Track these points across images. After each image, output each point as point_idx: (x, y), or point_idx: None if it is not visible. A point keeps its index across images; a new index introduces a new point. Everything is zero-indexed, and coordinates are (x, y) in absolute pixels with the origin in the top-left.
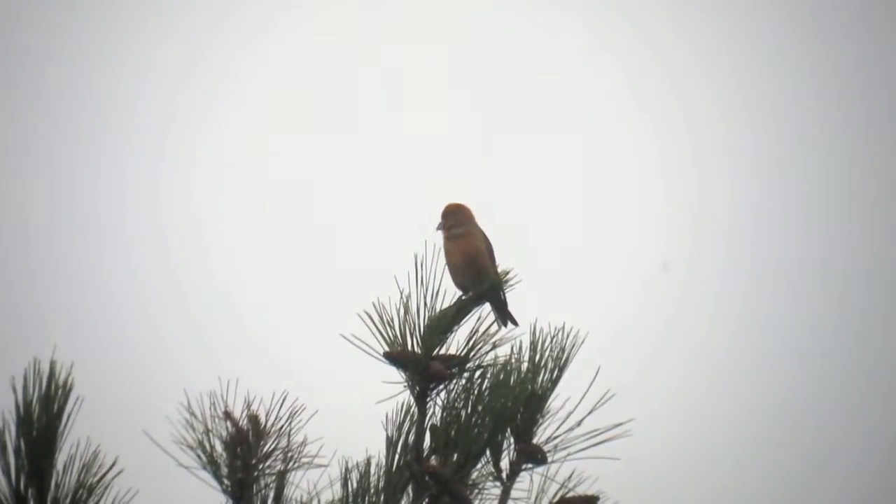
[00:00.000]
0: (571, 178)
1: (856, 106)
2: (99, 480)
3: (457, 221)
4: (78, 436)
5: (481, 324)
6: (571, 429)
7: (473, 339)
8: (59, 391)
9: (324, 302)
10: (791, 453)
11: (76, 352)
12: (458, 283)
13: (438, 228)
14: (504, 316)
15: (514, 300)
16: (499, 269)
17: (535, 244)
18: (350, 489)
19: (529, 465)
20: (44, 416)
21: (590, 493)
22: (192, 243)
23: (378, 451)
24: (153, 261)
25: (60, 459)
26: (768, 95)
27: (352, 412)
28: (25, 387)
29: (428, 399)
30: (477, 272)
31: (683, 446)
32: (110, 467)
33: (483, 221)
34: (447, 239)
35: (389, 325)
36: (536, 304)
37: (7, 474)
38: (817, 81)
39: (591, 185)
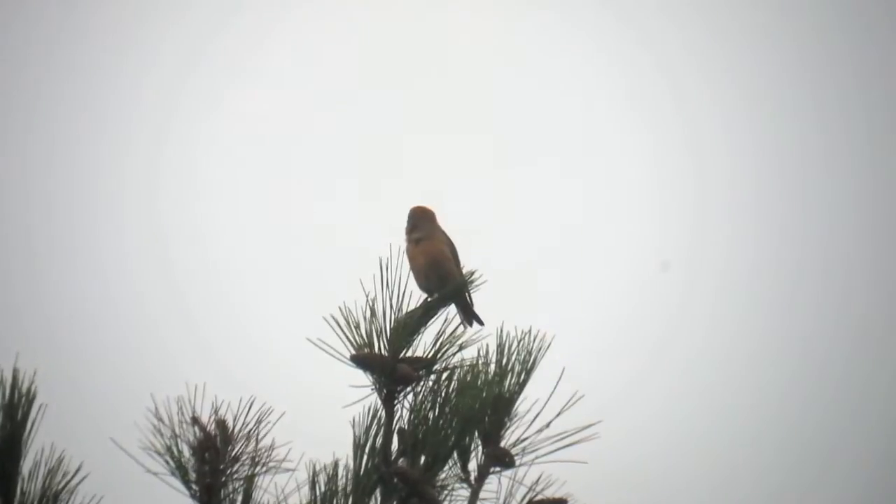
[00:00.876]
0: (571, 178)
1: (854, 105)
2: (64, 486)
3: (417, 225)
4: (43, 442)
5: (448, 325)
6: (540, 430)
7: (440, 340)
8: (23, 399)
9: (291, 306)
10: (791, 453)
11: (43, 357)
12: (423, 287)
13: (406, 231)
14: (469, 316)
15: (501, 301)
16: (464, 271)
17: (535, 244)
18: (318, 492)
19: (497, 469)
20: (7, 423)
21: (558, 496)
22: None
23: (346, 454)
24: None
25: (26, 466)
26: (767, 95)
27: (319, 416)
28: None
29: (395, 402)
30: (441, 275)
31: (683, 446)
32: (75, 473)
33: (445, 224)
34: (410, 243)
35: (356, 328)
36: (534, 304)
37: None
38: (816, 80)
39: (591, 185)
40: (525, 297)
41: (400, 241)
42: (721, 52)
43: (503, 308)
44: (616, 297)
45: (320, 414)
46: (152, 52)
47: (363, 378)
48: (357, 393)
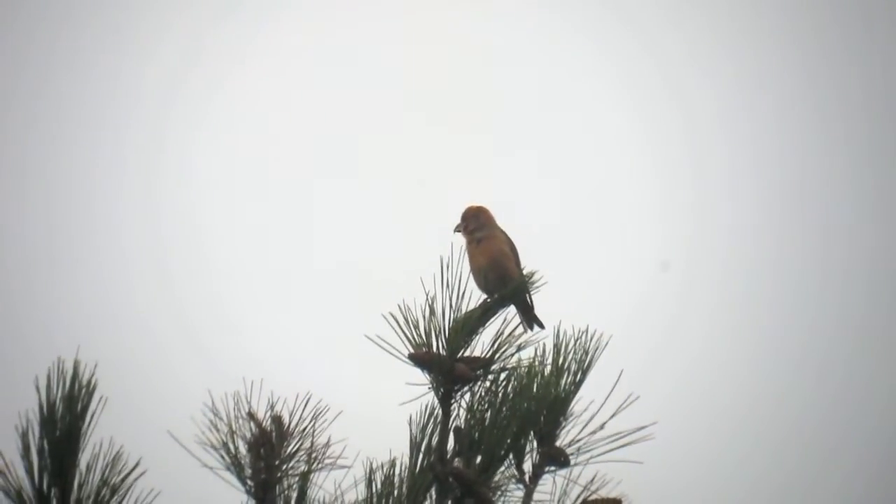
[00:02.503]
0: (571, 178)
1: (855, 104)
2: (122, 480)
3: (479, 224)
4: (101, 436)
5: (506, 326)
6: (594, 432)
7: (498, 341)
8: (83, 391)
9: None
10: (791, 453)
11: (102, 352)
12: (483, 287)
13: (457, 230)
14: (530, 319)
15: (541, 304)
16: (524, 272)
17: (535, 244)
18: (374, 490)
19: (552, 468)
20: (67, 415)
21: (612, 495)
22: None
23: (402, 452)
24: (181, 263)
25: (84, 459)
26: (767, 94)
27: (376, 414)
28: (49, 387)
29: (452, 401)
30: (501, 275)
31: (682, 446)
32: (133, 467)
33: (505, 223)
34: (470, 242)
35: (415, 326)
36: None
37: (31, 474)
38: (816, 80)
39: (591, 185)
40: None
41: (457, 239)
42: (722, 52)
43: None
44: (616, 298)
45: (376, 412)
46: (152, 50)
47: (420, 376)
48: (414, 391)
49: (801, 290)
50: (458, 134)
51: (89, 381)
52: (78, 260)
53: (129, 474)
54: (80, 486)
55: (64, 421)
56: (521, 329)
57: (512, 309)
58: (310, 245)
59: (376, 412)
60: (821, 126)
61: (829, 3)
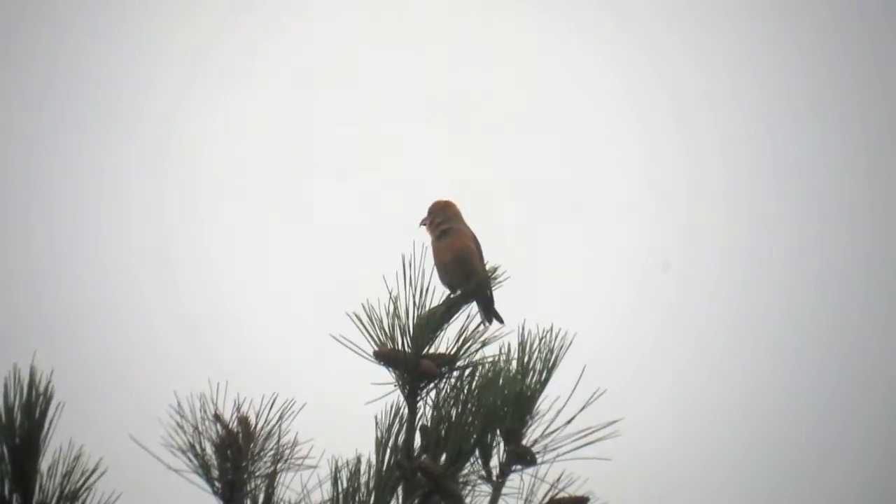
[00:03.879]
0: (571, 178)
1: (852, 103)
2: (83, 484)
3: (445, 219)
4: (61, 440)
5: (470, 322)
6: (560, 428)
7: (463, 337)
8: (41, 397)
9: (314, 303)
10: (790, 453)
11: (67, 355)
12: (447, 282)
13: (422, 224)
14: (490, 314)
15: (513, 300)
16: (486, 267)
17: (534, 244)
18: (340, 489)
19: (519, 467)
20: (25, 422)
21: (579, 493)
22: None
23: (368, 450)
24: (149, 262)
25: (44, 464)
26: (764, 94)
27: (342, 413)
28: (6, 394)
29: (418, 398)
30: (466, 270)
31: (682, 445)
32: (93, 470)
33: (471, 219)
34: (436, 238)
35: (379, 324)
36: (535, 304)
37: None
38: (813, 79)
39: (591, 184)
40: (525, 297)
41: (421, 235)
42: (720, 53)
43: (510, 306)
44: (616, 298)
45: (342, 411)
46: (157, 52)
47: (386, 375)
48: (380, 390)
49: (801, 290)
50: (456, 134)
51: (46, 388)
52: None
53: (89, 476)
54: (42, 489)
55: (22, 427)
56: (484, 325)
57: (475, 305)
58: (279, 244)
59: (342, 411)
60: (820, 127)
61: (830, 3)
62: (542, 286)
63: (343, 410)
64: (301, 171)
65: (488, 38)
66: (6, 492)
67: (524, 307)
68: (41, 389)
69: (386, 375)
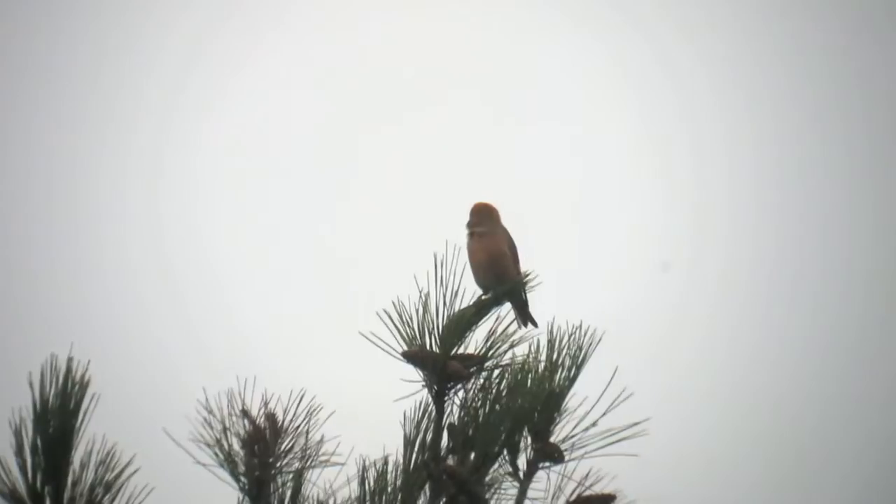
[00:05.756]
0: (571, 178)
1: (856, 103)
2: (116, 477)
3: (480, 221)
4: (94, 433)
5: (500, 323)
6: (588, 428)
7: (492, 338)
8: (76, 388)
9: (344, 301)
10: (790, 453)
11: (95, 350)
12: (480, 283)
13: (467, 226)
14: (525, 317)
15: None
16: (521, 270)
17: (535, 243)
18: (367, 488)
19: (546, 464)
20: (60, 413)
21: (607, 491)
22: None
23: (396, 449)
24: (177, 257)
25: (77, 457)
26: (768, 93)
27: (370, 411)
28: (42, 384)
29: (446, 398)
30: (499, 272)
31: (682, 446)
32: (126, 465)
33: (509, 223)
34: (471, 238)
35: (408, 324)
36: (541, 303)
37: (24, 472)
38: (817, 79)
39: (591, 184)
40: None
41: (459, 235)
42: (724, 52)
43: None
44: (616, 298)
45: (370, 409)
46: (154, 52)
47: (414, 374)
48: (408, 388)
49: (802, 289)
50: (456, 134)
51: (82, 378)
52: (77, 258)
53: (122, 471)
54: (74, 483)
55: (57, 418)
56: (514, 326)
57: (505, 307)
58: (307, 242)
59: (370, 409)
60: (823, 126)
61: (830, 4)
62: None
63: (371, 408)
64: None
65: (485, 26)
66: (38, 484)
67: (550, 308)
68: (77, 379)
69: (415, 373)
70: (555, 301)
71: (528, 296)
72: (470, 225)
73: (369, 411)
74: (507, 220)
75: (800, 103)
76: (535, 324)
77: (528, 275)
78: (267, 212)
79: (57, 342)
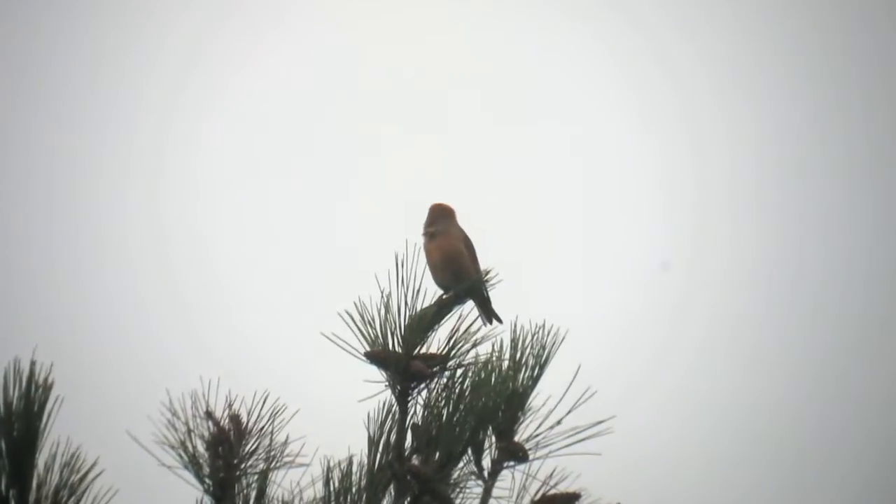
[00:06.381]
0: (571, 178)
1: (856, 103)
2: (81, 479)
3: (435, 220)
4: (59, 436)
5: (462, 322)
6: (552, 426)
7: (454, 337)
8: (39, 390)
9: (306, 301)
10: (790, 453)
11: (60, 352)
12: (439, 282)
13: (424, 227)
14: (489, 314)
15: (508, 300)
16: (481, 268)
17: (534, 243)
18: (332, 488)
19: (511, 463)
20: (24, 415)
21: (571, 490)
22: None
23: (360, 450)
24: (146, 259)
25: (41, 460)
26: (768, 93)
27: (334, 411)
28: (6, 387)
29: (409, 398)
30: (456, 271)
31: (682, 446)
32: (91, 467)
33: (464, 221)
34: (426, 238)
35: (370, 324)
36: (534, 303)
37: None
38: (817, 79)
39: (591, 184)
40: (525, 296)
41: (417, 236)
42: (725, 52)
43: (507, 306)
44: (616, 298)
45: (334, 410)
46: (154, 52)
47: (377, 374)
48: (372, 388)
49: (802, 289)
50: (457, 135)
51: (45, 381)
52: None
53: (87, 473)
54: (39, 486)
55: (21, 421)
56: (477, 325)
57: (467, 305)
58: (271, 242)
59: (334, 409)
60: (823, 127)
61: (830, 4)
62: (542, 286)
63: (335, 409)
64: (298, 169)
65: (485, 27)
66: (3, 487)
67: (524, 308)
68: (40, 382)
69: (378, 374)
70: (555, 301)
71: (490, 293)
72: (425, 225)
73: (334, 411)
74: (506, 221)
75: (800, 103)
76: (499, 320)
77: (487, 272)
78: (266, 212)
79: (57, 342)
